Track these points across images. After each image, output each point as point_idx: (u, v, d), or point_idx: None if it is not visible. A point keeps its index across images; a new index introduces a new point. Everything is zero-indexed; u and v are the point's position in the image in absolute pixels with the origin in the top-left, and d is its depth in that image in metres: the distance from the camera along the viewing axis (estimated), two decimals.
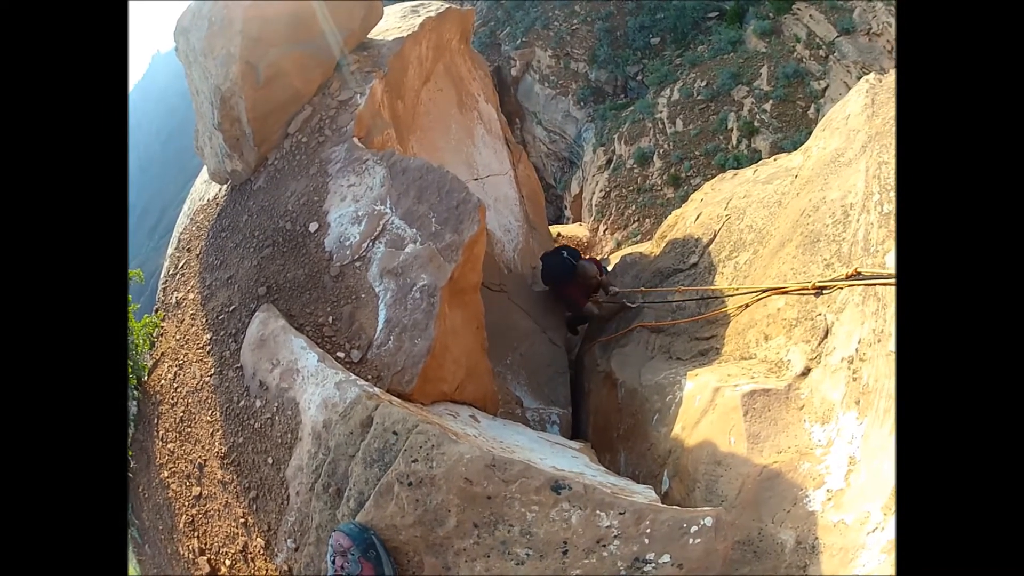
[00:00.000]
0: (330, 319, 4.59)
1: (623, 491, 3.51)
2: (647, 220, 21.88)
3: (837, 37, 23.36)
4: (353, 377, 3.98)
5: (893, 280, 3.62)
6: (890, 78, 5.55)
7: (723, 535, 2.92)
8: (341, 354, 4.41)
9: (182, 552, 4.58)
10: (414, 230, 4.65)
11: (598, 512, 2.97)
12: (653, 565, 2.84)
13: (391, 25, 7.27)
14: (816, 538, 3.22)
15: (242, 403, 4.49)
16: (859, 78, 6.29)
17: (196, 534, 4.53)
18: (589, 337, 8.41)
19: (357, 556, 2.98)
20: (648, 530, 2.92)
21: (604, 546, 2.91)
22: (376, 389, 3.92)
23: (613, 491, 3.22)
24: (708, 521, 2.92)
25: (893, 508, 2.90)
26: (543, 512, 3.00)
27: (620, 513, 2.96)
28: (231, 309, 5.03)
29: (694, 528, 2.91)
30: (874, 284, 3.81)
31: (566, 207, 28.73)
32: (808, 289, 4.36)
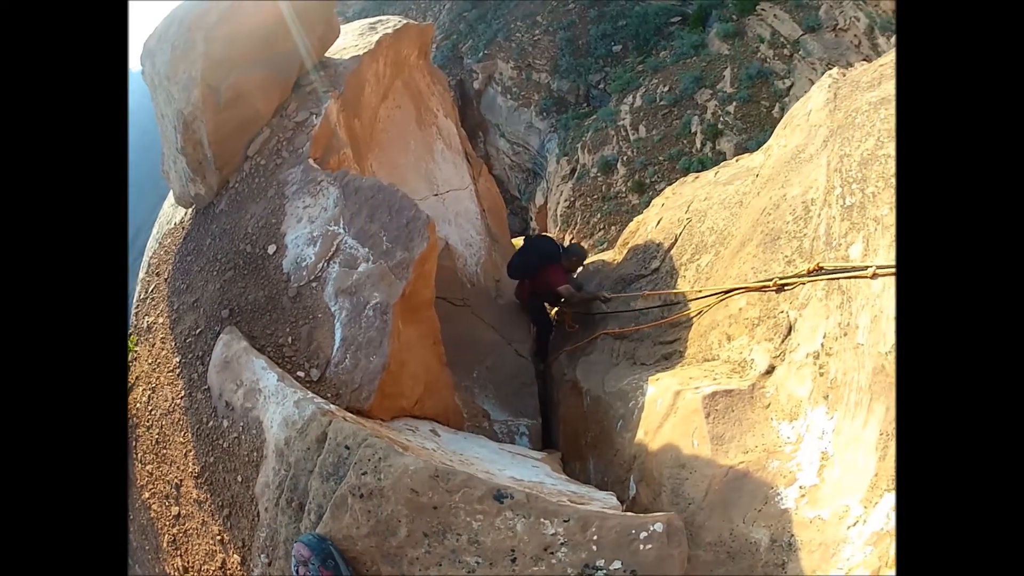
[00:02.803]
0: (290, 339, 4.67)
1: (582, 498, 3.59)
2: (613, 228, 21.85)
3: (802, 35, 23.45)
4: (310, 395, 4.06)
5: (858, 273, 3.60)
6: (853, 72, 5.55)
7: (677, 540, 2.97)
8: (301, 373, 4.49)
9: (168, 571, 4.62)
10: (366, 249, 4.72)
11: (542, 520, 3.03)
12: (604, 572, 2.89)
13: (348, 43, 7.32)
14: (792, 535, 3.23)
15: (211, 424, 4.56)
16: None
17: (179, 553, 4.58)
18: (555, 346, 8.42)
19: (317, 566, 3.06)
20: (595, 537, 2.97)
21: (552, 553, 2.96)
22: (331, 406, 3.99)
23: (562, 499, 3.29)
24: (658, 527, 2.98)
25: (874, 501, 2.92)
26: (488, 521, 3.06)
27: (564, 521, 3.02)
28: (197, 332, 5.10)
29: (644, 534, 2.97)
30: (839, 277, 3.79)
31: (531, 218, 28.64)
32: (770, 286, 4.37)
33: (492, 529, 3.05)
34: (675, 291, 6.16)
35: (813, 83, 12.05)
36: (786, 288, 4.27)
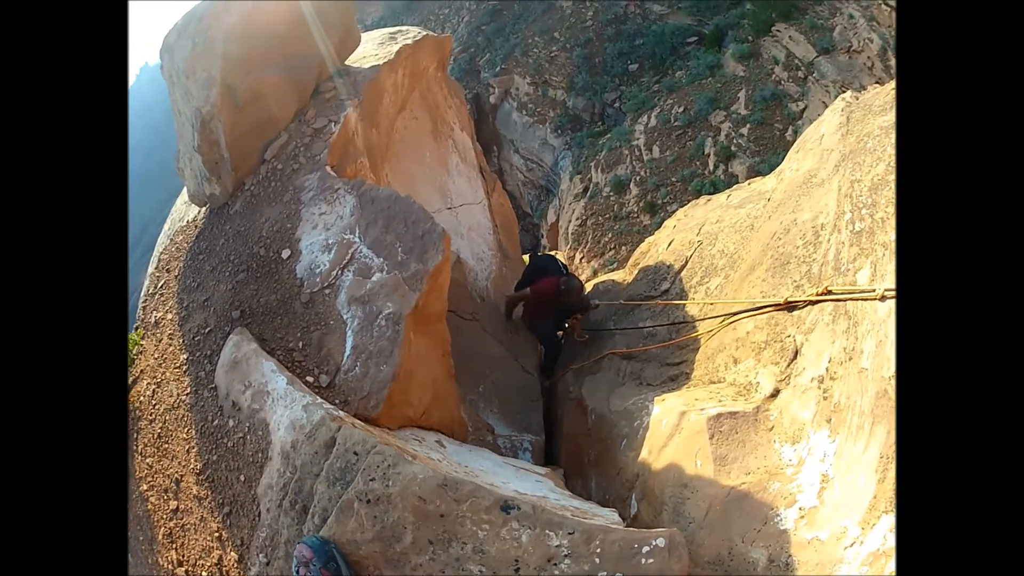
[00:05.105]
0: (300, 344, 4.70)
1: (585, 513, 3.61)
2: (623, 247, 21.78)
3: (816, 57, 23.50)
4: (319, 400, 4.08)
5: (864, 296, 3.60)
6: (866, 96, 5.55)
7: (678, 555, 2.98)
8: (310, 379, 4.51)
9: (162, 563, 4.62)
10: (381, 259, 4.76)
11: (547, 531, 3.05)
12: None
13: (368, 52, 7.34)
14: (790, 555, 3.24)
15: (216, 422, 4.58)
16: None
17: (174, 546, 4.59)
18: (562, 364, 8.41)
19: (319, 567, 3.08)
20: (598, 550, 2.98)
21: (555, 564, 2.97)
22: (340, 412, 4.01)
23: (568, 512, 3.31)
24: (660, 542, 2.99)
25: (871, 522, 2.92)
26: (494, 531, 3.08)
27: (569, 533, 3.04)
28: (207, 331, 5.13)
29: (646, 548, 2.97)
30: (844, 299, 3.80)
31: (543, 235, 28.56)
32: (780, 305, 4.39)
33: (497, 539, 3.07)
34: (675, 302, 6.22)
35: (826, 105, 12.06)
36: (795, 308, 4.29)
